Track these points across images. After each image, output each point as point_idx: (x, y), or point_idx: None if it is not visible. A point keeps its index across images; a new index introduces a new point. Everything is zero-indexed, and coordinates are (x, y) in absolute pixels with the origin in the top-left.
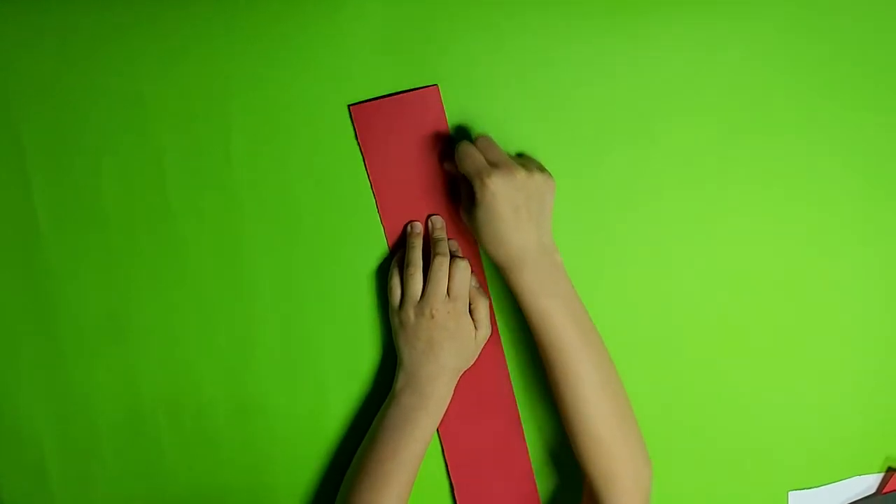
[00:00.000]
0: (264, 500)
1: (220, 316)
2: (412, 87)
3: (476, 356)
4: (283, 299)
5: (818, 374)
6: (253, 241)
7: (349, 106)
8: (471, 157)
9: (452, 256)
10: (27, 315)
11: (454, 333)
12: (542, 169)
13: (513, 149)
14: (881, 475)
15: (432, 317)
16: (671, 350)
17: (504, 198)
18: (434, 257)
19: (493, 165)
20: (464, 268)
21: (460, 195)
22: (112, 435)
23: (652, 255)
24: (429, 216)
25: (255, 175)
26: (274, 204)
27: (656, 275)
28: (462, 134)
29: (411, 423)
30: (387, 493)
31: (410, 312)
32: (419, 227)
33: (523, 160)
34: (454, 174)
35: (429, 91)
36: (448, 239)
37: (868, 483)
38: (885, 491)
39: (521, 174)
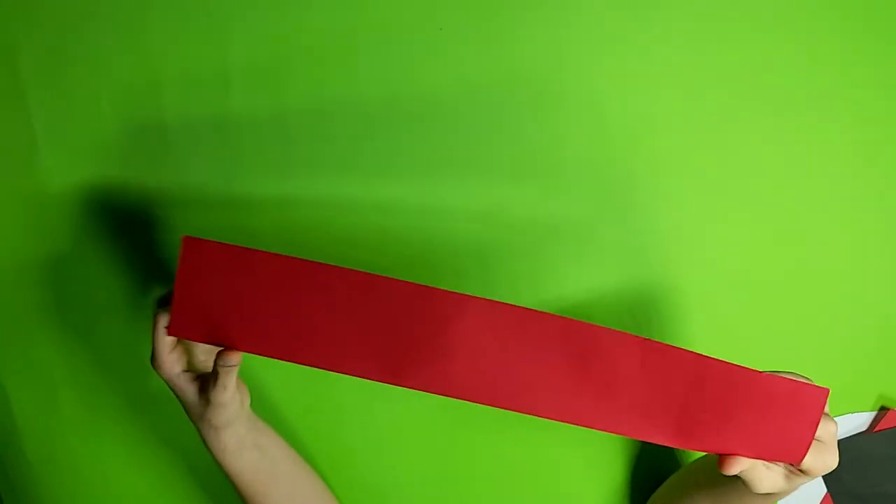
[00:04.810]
0: None
1: None
2: None
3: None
4: None
5: (814, 311)
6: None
7: None
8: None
9: None
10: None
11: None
12: None
13: None
14: (874, 413)
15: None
16: (665, 289)
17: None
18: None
19: None
20: None
21: None
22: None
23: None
24: None
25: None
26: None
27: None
28: None
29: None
30: None
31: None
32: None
33: None
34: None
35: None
36: None
37: (860, 420)
38: (877, 429)
39: None
